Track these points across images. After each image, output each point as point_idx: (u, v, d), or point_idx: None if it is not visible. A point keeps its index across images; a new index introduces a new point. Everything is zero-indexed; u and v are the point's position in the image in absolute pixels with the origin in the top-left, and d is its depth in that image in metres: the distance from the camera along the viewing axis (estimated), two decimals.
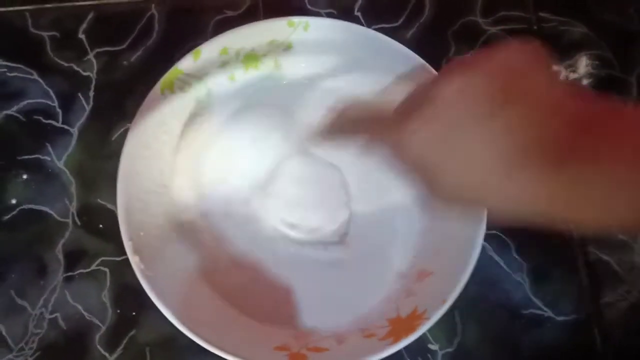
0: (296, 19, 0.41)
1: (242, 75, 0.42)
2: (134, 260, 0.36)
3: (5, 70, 0.46)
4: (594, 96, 0.25)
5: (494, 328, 0.42)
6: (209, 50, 0.40)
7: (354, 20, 0.47)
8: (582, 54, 0.47)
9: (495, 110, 0.24)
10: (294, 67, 0.43)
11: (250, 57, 0.42)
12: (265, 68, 0.43)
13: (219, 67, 0.41)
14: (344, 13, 0.48)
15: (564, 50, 0.47)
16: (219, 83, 0.42)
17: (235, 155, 0.43)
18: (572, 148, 0.23)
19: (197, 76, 0.41)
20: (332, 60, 0.43)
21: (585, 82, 0.47)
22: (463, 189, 0.26)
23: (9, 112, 0.45)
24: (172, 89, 0.40)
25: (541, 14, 0.48)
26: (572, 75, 0.47)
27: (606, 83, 0.46)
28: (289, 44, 0.42)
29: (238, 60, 0.42)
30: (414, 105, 0.27)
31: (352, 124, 0.37)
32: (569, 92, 0.25)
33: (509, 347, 0.41)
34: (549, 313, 0.42)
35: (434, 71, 0.39)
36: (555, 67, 0.47)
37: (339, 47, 0.42)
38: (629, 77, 0.47)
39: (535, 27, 0.48)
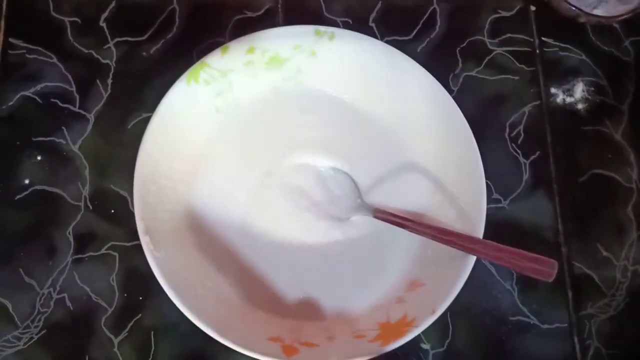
0: (322, 28, 0.42)
1: (265, 76, 0.44)
2: (144, 240, 0.37)
3: (25, 51, 0.47)
4: None
5: (483, 332, 0.44)
6: (237, 47, 0.42)
7: (368, 30, 0.49)
8: (579, 79, 0.50)
9: None
10: (315, 74, 0.44)
11: (275, 59, 0.43)
12: (287, 71, 0.44)
13: (244, 65, 0.43)
14: (359, 23, 0.49)
15: (563, 74, 0.50)
16: (241, 80, 0.43)
17: (247, 148, 0.44)
18: None
19: (222, 71, 0.42)
20: (352, 73, 0.44)
21: (580, 106, 0.49)
22: None
23: (26, 93, 0.46)
24: (198, 80, 0.42)
25: (544, 39, 0.50)
26: (569, 99, 0.49)
27: (599, 109, 0.49)
28: (312, 51, 0.43)
29: (263, 60, 0.43)
30: None
31: None
32: None
33: (496, 350, 0.44)
34: (534, 321, 0.44)
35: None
36: (553, 90, 0.50)
37: (361, 60, 0.43)
38: (621, 105, 0.49)
39: (537, 51, 0.50)
